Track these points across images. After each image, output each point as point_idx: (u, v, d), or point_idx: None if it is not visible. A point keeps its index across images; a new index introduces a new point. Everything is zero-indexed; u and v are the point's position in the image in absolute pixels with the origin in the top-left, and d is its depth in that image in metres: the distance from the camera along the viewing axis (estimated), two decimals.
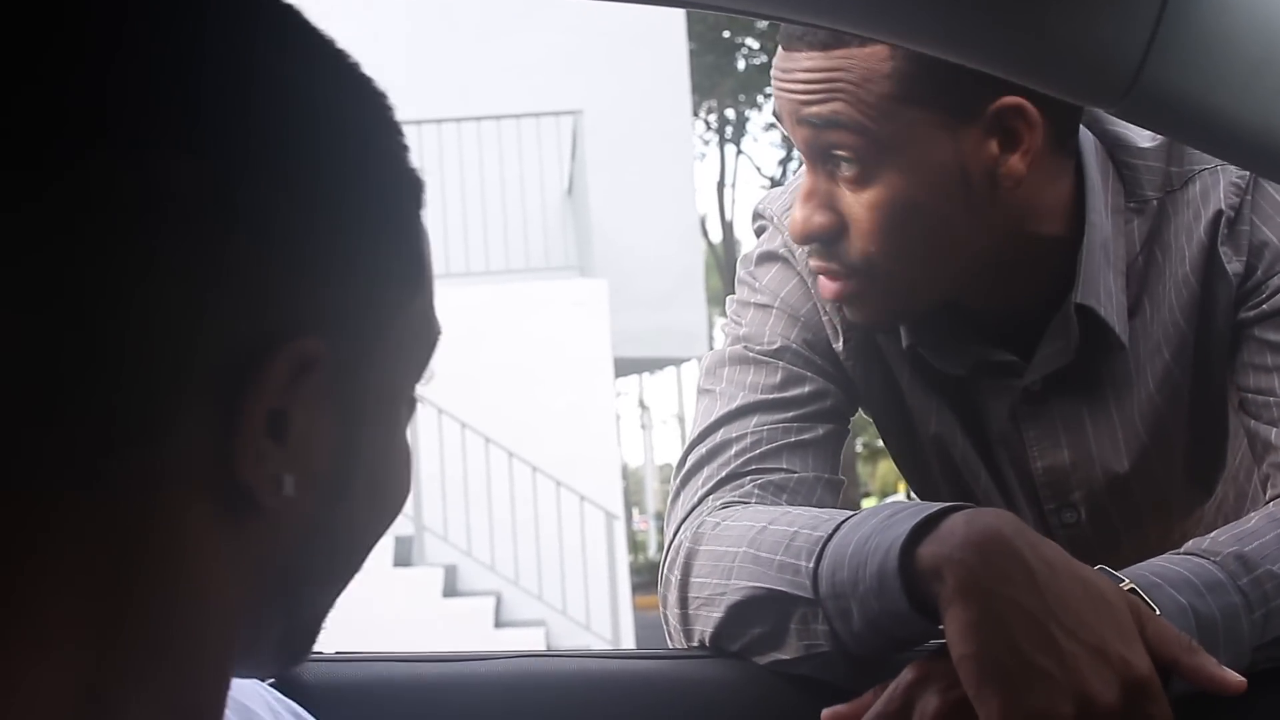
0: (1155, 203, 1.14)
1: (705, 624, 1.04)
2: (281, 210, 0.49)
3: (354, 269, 0.52)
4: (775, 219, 1.26)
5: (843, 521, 0.96)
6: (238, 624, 0.53)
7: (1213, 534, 1.01)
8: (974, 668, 0.84)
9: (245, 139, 0.48)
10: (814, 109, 1.05)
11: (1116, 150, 1.15)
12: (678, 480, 1.16)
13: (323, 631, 0.61)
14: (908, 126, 1.03)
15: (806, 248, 1.14)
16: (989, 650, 0.83)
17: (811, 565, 0.95)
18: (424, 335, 0.58)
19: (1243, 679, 0.87)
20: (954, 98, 1.03)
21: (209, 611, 0.51)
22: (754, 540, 1.01)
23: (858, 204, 1.07)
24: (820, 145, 1.07)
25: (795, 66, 1.06)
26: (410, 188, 0.56)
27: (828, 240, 1.10)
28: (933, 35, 0.66)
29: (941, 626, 0.87)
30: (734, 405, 1.16)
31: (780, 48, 1.09)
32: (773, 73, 1.10)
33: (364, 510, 0.56)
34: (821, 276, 1.14)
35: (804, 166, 1.11)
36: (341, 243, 0.52)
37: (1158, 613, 0.90)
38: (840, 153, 1.06)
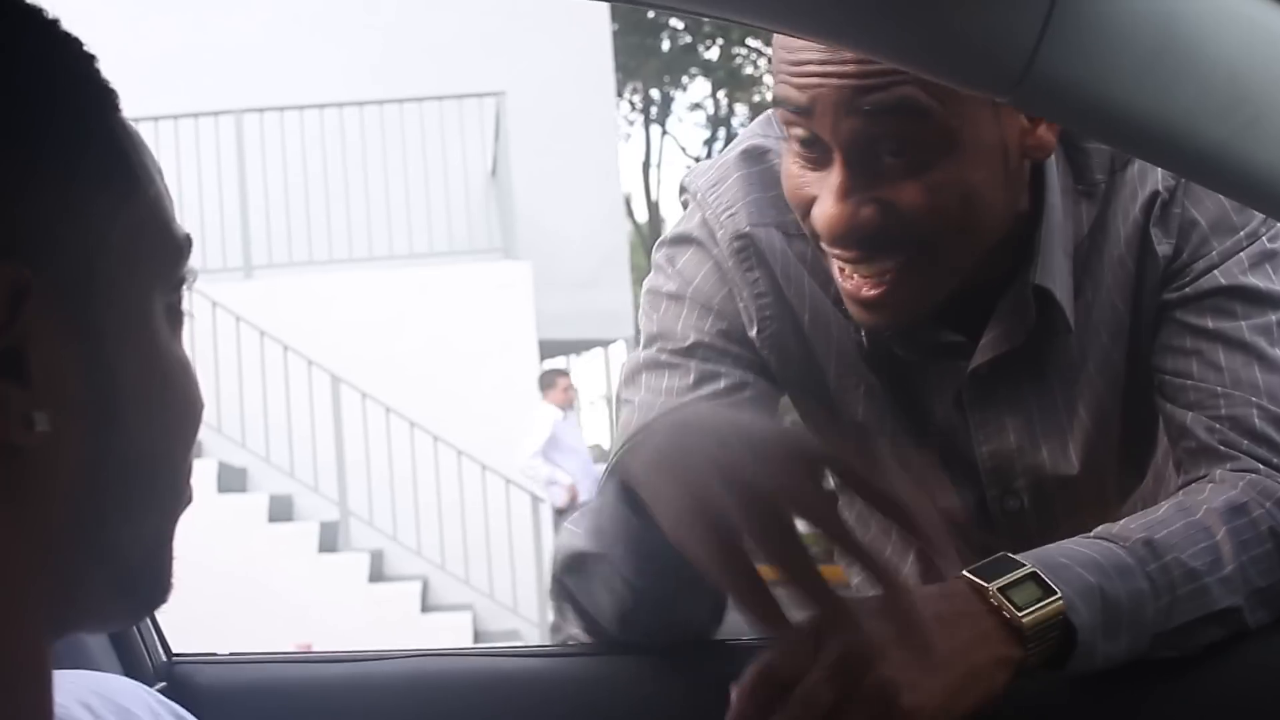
0: (1102, 186, 1.14)
1: None
2: None
3: (45, 183, 0.51)
4: (699, 195, 1.22)
5: None
6: (39, 576, 0.51)
7: (1123, 521, 1.01)
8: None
9: None
10: (876, 96, 0.99)
11: (1065, 133, 1.13)
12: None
13: (175, 578, 0.59)
14: (966, 106, 1.00)
15: (837, 251, 1.08)
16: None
17: None
18: (157, 241, 0.57)
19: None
20: None
21: None
22: None
23: (910, 192, 1.03)
24: (875, 134, 1.01)
25: (841, 55, 0.99)
26: (96, 95, 0.55)
27: (873, 236, 1.05)
28: (824, 24, 0.65)
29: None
30: (650, 415, 1.14)
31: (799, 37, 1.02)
32: (793, 62, 1.03)
33: (144, 429, 0.55)
34: (854, 281, 1.08)
35: (836, 163, 1.04)
36: (23, 159, 0.51)
37: (1060, 595, 0.90)
38: (901, 139, 1.01)
